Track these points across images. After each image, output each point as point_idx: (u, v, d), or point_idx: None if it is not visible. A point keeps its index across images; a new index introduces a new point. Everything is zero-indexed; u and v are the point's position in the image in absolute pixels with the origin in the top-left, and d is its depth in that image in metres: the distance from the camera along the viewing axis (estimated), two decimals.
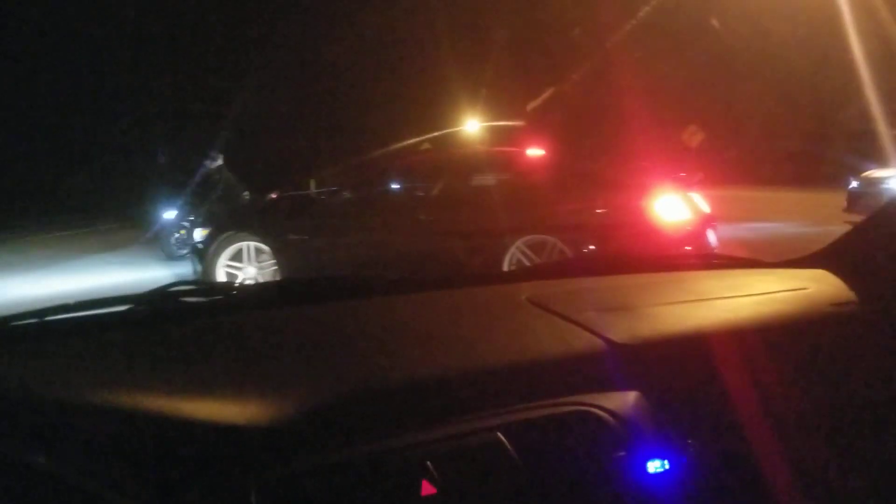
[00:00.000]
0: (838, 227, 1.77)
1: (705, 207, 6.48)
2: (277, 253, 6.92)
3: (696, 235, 6.11)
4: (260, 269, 7.02)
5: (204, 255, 7.00)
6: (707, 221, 6.27)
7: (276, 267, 6.92)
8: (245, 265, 7.02)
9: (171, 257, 10.65)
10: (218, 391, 1.04)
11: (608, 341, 1.22)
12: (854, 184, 12.44)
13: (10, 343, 1.23)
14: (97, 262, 11.42)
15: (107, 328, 1.32)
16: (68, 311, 1.36)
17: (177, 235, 10.79)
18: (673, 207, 6.06)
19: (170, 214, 10.75)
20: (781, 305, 1.45)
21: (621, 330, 1.26)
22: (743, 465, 1.18)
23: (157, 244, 10.98)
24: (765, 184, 19.04)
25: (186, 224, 10.65)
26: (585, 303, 1.45)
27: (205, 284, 1.82)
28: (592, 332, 1.26)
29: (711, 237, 6.21)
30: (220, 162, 10.42)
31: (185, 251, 10.74)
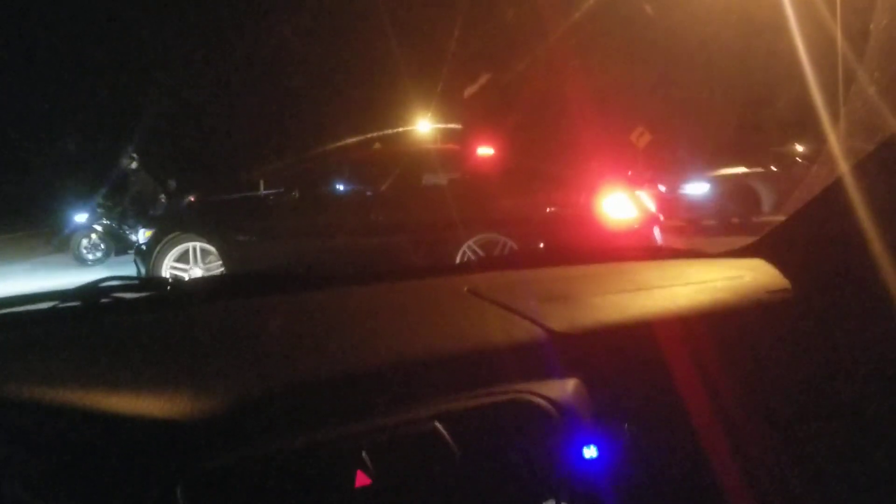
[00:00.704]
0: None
1: (651, 206, 6.59)
2: (224, 254, 6.81)
3: (643, 233, 6.21)
4: (206, 270, 6.89)
5: (148, 256, 6.85)
6: (653, 220, 6.37)
7: (222, 268, 6.81)
8: (191, 267, 6.89)
9: (81, 263, 10.25)
10: (145, 386, 1.00)
11: (548, 330, 1.22)
12: (661, 188, 12.40)
13: None
14: (42, 266, 11.01)
15: (31, 324, 1.27)
16: None
17: (86, 240, 10.41)
18: (621, 206, 6.15)
19: (81, 217, 10.34)
20: (719, 294, 1.47)
21: (561, 319, 1.27)
22: (679, 450, 1.19)
23: (68, 250, 10.57)
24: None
25: (99, 228, 10.34)
26: (527, 293, 1.45)
27: (137, 279, 1.77)
28: (532, 321, 1.26)
29: (657, 235, 6.32)
30: (135, 164, 10.16)
31: (96, 256, 10.42)
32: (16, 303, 1.33)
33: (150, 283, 1.80)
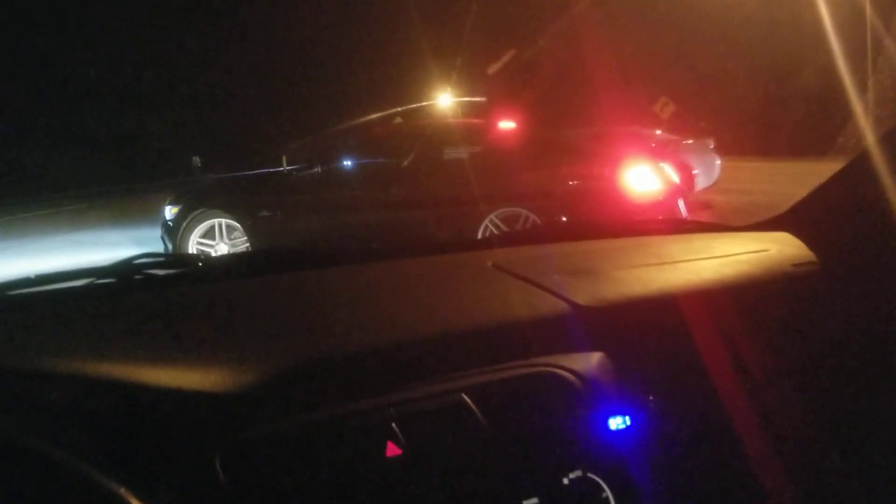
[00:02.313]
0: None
1: (675, 178, 6.53)
2: (249, 230, 6.88)
3: (667, 206, 6.16)
4: (232, 246, 6.97)
5: (175, 232, 6.94)
6: (677, 192, 6.31)
7: (248, 244, 6.88)
8: (217, 242, 6.97)
9: None
10: (181, 359, 1.03)
11: (572, 304, 1.23)
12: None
13: None
14: (65, 243, 11.19)
15: (67, 300, 1.30)
16: (30, 285, 1.34)
17: None
18: (644, 178, 6.10)
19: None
20: (744, 266, 1.47)
21: (585, 293, 1.27)
22: (704, 422, 1.20)
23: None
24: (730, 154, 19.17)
25: None
26: (550, 267, 1.46)
27: (170, 256, 1.81)
28: (557, 294, 1.27)
29: (681, 207, 6.26)
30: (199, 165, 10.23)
31: None
32: (51, 280, 1.37)
33: (182, 259, 1.83)
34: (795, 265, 1.49)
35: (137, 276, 1.44)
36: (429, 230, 6.29)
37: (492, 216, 6.18)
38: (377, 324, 1.18)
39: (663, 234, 1.89)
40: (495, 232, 6.11)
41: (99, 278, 1.41)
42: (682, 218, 5.70)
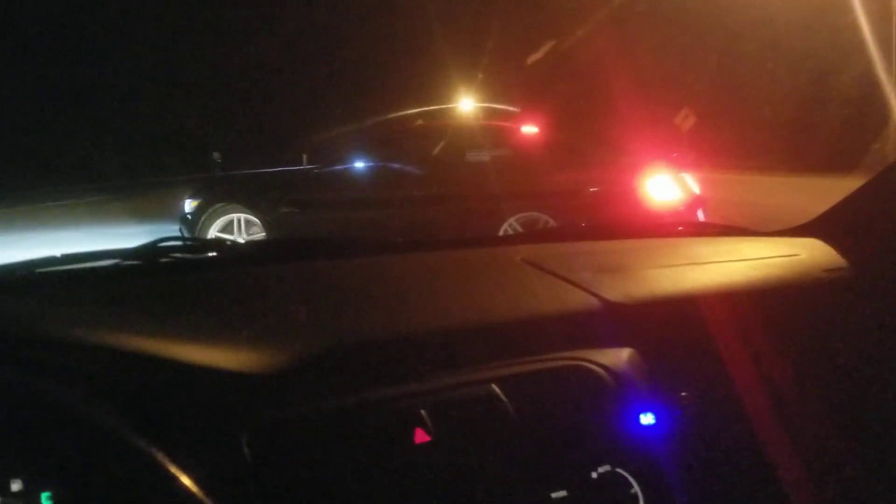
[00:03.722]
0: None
1: (696, 188, 6.49)
2: (267, 225, 6.90)
3: (686, 215, 6.12)
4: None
5: (194, 225, 6.97)
6: (697, 202, 6.28)
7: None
8: (235, 237, 7.00)
9: None
10: (211, 339, 1.03)
11: (603, 300, 1.23)
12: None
13: (5, 290, 1.23)
14: (86, 235, 11.29)
15: (95, 279, 1.31)
16: (55, 264, 1.34)
17: None
18: (664, 187, 6.07)
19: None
20: (774, 270, 1.46)
21: (616, 290, 1.26)
22: (733, 422, 1.19)
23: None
24: (752, 167, 19.03)
25: None
26: (581, 264, 1.45)
27: (194, 240, 1.82)
28: (587, 291, 1.26)
29: (701, 218, 6.22)
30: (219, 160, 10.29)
31: None
32: (79, 259, 1.38)
33: (206, 244, 1.83)
34: (826, 271, 1.47)
35: (163, 259, 1.44)
36: (448, 230, 6.28)
37: (511, 220, 6.17)
38: (409, 312, 1.17)
39: (693, 237, 1.87)
40: None
41: (125, 260, 1.41)
42: (711, 221, 5.66)
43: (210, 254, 1.57)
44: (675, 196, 6.09)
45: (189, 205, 7.32)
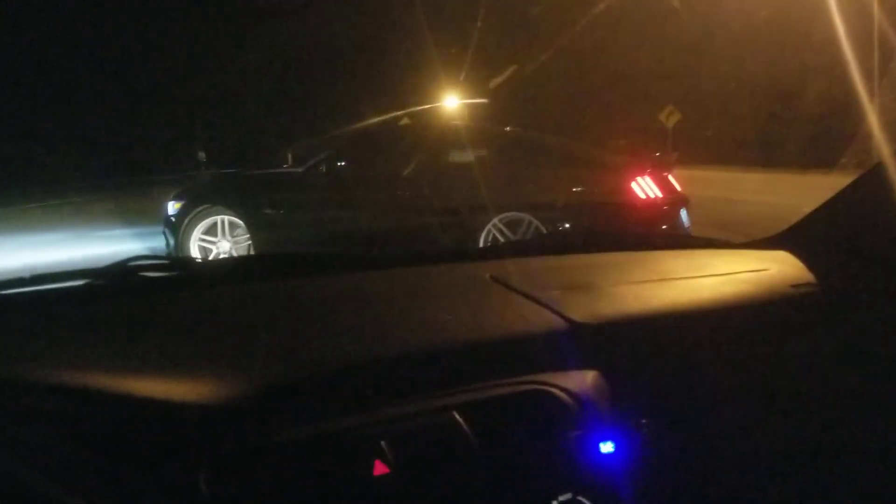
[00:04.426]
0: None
1: (678, 187, 6.51)
2: (251, 227, 6.85)
3: (670, 215, 6.14)
4: (234, 243, 6.95)
5: (177, 228, 6.91)
6: (680, 201, 6.29)
7: (249, 242, 6.86)
8: (219, 239, 6.95)
9: None
10: (171, 368, 1.01)
11: (569, 320, 1.22)
12: None
13: None
14: (68, 236, 11.18)
15: (60, 302, 1.29)
16: (23, 285, 1.32)
17: None
18: (647, 187, 6.08)
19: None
20: (742, 286, 1.45)
21: (583, 309, 1.26)
22: (698, 445, 1.19)
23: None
24: (732, 164, 19.20)
25: None
26: (549, 281, 1.44)
27: (165, 259, 1.80)
28: (553, 310, 1.25)
29: (684, 217, 6.25)
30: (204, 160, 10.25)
31: None
32: (46, 280, 1.36)
33: (178, 262, 1.82)
34: (794, 286, 1.47)
35: (132, 279, 1.42)
36: (431, 232, 6.27)
37: (495, 220, 6.17)
38: (370, 337, 1.16)
39: (661, 250, 1.87)
40: (498, 236, 6.10)
41: (94, 280, 1.39)
42: (683, 233, 5.67)
43: (180, 273, 1.55)
44: (658, 195, 6.10)
45: (172, 207, 7.26)
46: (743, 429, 1.23)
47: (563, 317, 1.23)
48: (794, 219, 1.75)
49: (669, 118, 18.64)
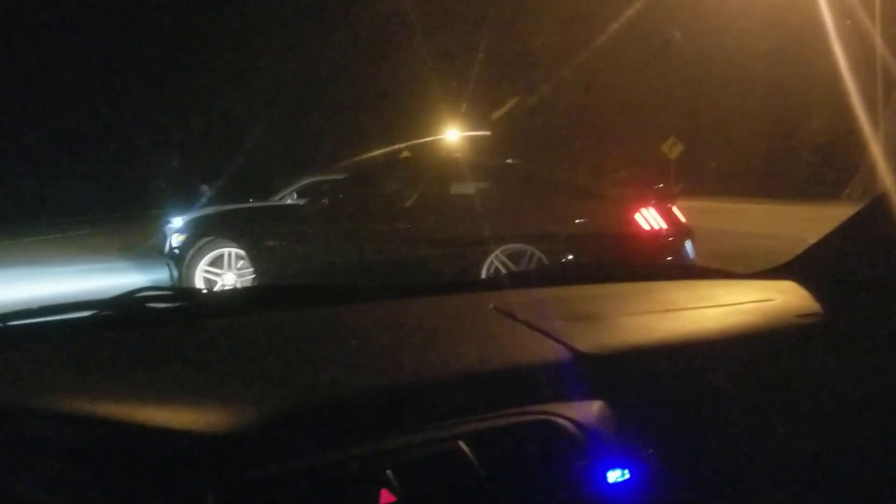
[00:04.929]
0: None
1: (682, 218, 6.54)
2: (255, 260, 6.88)
3: (674, 246, 6.15)
4: (239, 275, 6.97)
5: (181, 260, 6.94)
6: (684, 232, 6.31)
7: (254, 274, 6.88)
8: (224, 271, 6.97)
9: None
10: (179, 397, 1.03)
11: (573, 350, 1.22)
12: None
13: None
14: (71, 270, 11.21)
15: (69, 333, 1.30)
16: (31, 316, 1.34)
17: None
18: (651, 218, 6.10)
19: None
20: (748, 317, 1.46)
21: (587, 339, 1.26)
22: (703, 475, 1.18)
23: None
24: (735, 195, 19.30)
25: None
26: (553, 312, 1.45)
27: (172, 290, 1.83)
28: (558, 341, 1.26)
29: (689, 248, 6.26)
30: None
31: None
32: (54, 311, 1.37)
33: (184, 293, 1.83)
34: (800, 316, 1.47)
35: (139, 310, 1.43)
36: (433, 264, 6.29)
37: (497, 252, 6.18)
38: (376, 367, 1.17)
39: (666, 280, 1.88)
40: (501, 268, 6.11)
41: (101, 311, 1.40)
42: (687, 263, 5.67)
43: (186, 304, 1.56)
44: (662, 227, 6.12)
45: (175, 238, 7.30)
46: (748, 458, 1.22)
47: (567, 347, 1.23)
48: (799, 250, 1.76)
49: (672, 149, 18.73)
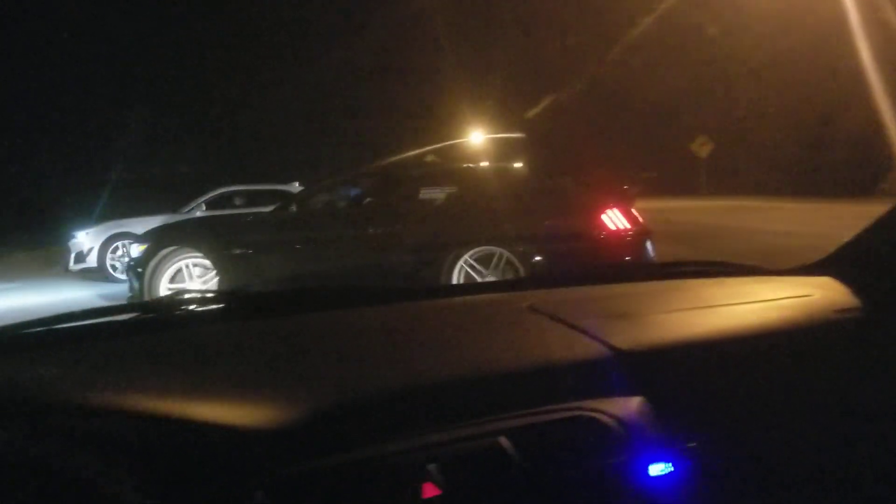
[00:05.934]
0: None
1: (640, 220, 6.88)
2: (220, 268, 7.03)
3: (636, 246, 6.59)
4: (203, 284, 7.13)
5: (142, 275, 7.04)
6: (645, 232, 6.72)
7: (218, 283, 7.04)
8: (186, 283, 7.09)
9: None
10: (224, 395, 1.15)
11: (611, 347, 1.34)
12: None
13: (21, 349, 1.36)
14: None
15: (114, 334, 1.45)
16: (74, 319, 1.50)
17: None
18: (616, 219, 6.53)
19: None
20: (786, 312, 1.58)
21: (625, 336, 1.38)
22: (744, 468, 1.31)
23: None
24: (768, 193, 19.52)
25: None
26: (588, 310, 1.58)
27: (208, 293, 2.01)
28: (596, 338, 1.38)
29: (649, 248, 6.69)
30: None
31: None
32: (96, 314, 1.54)
33: (220, 295, 2.00)
34: (839, 311, 1.59)
35: (178, 312, 1.60)
36: (400, 269, 6.69)
37: (466, 256, 6.59)
38: (416, 365, 1.29)
39: (702, 278, 2.01)
40: (470, 271, 6.55)
41: (142, 314, 1.57)
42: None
43: (223, 306, 1.72)
44: (626, 227, 6.51)
45: (135, 249, 7.39)
46: (789, 452, 1.35)
47: (605, 344, 1.35)
48: (834, 248, 1.89)
49: (702, 148, 18.98)
